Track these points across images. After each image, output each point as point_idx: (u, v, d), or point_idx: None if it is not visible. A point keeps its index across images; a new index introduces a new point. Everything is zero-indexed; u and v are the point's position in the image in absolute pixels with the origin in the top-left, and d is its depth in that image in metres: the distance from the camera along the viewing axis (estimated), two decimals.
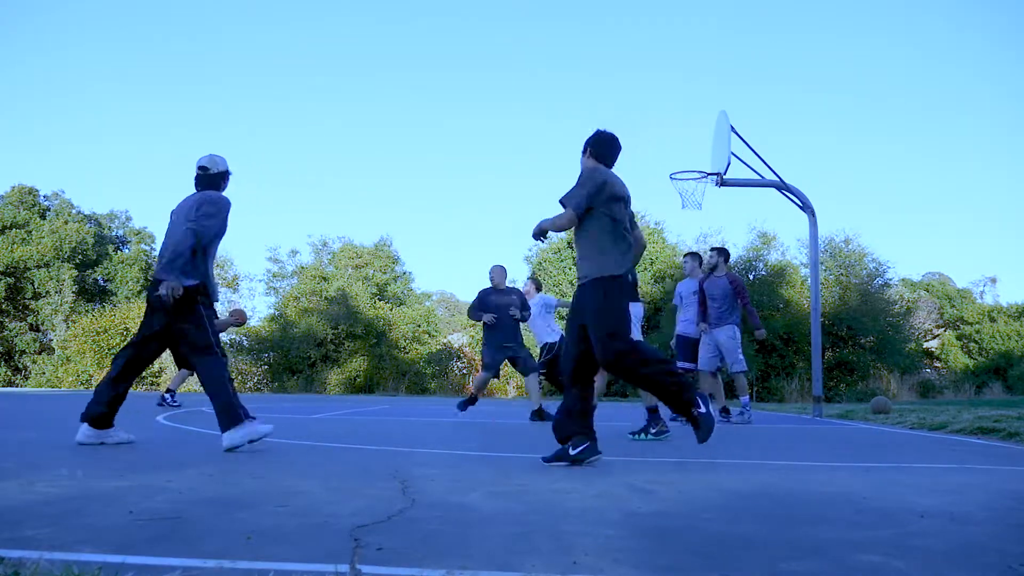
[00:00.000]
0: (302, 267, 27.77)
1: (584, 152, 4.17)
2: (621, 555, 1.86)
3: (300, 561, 1.74)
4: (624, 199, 3.99)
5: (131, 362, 4.50)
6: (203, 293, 4.45)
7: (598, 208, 3.90)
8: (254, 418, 4.36)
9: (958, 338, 27.07)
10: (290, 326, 24.94)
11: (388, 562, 1.75)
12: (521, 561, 1.79)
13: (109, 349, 23.99)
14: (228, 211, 4.56)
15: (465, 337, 26.52)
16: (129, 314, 24.67)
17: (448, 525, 2.19)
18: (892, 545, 2.02)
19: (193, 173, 4.66)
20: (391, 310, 26.01)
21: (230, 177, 4.78)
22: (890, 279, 22.52)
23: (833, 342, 20.82)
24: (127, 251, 29.39)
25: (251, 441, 4.27)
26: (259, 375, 25.29)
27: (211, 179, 4.64)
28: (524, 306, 8.43)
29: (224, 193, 4.70)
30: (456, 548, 1.91)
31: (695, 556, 1.88)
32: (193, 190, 4.66)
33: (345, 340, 24.94)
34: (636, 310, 5.97)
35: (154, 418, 7.28)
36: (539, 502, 2.62)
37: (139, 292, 27.12)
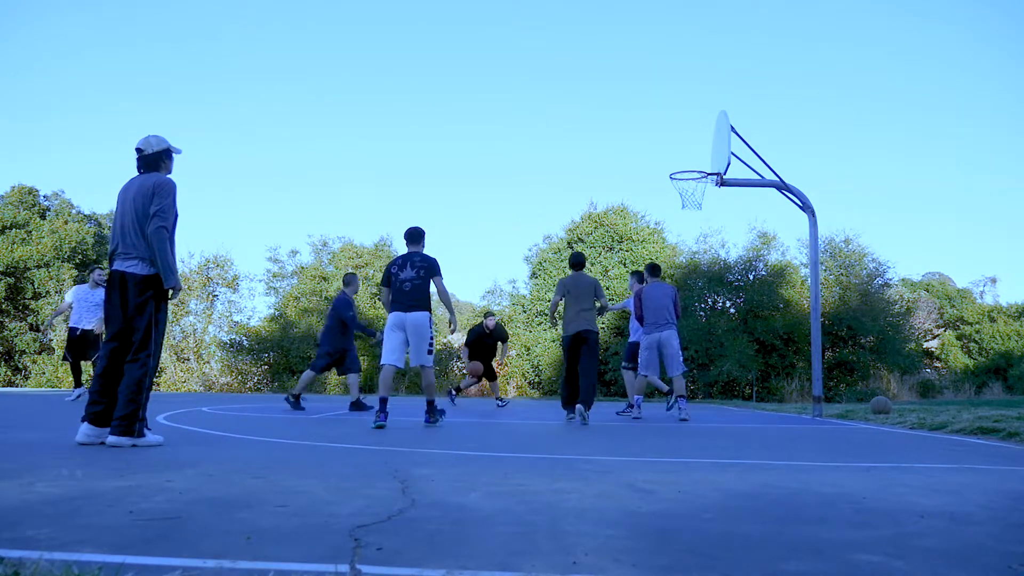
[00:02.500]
0: (302, 267, 27.74)
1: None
2: (621, 555, 1.87)
3: (300, 561, 1.74)
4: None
5: (116, 352, 4.54)
6: (159, 284, 4.56)
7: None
8: (150, 429, 4.57)
9: (958, 338, 27.08)
10: (290, 326, 24.94)
11: (388, 562, 1.75)
12: (521, 561, 1.79)
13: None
14: (176, 193, 4.65)
15: (465, 338, 26.51)
16: None
17: (448, 525, 2.20)
18: (892, 545, 2.02)
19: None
20: None
21: (174, 154, 4.82)
22: (890, 279, 22.52)
23: (833, 342, 20.81)
24: None
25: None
26: (259, 375, 25.29)
27: (149, 160, 4.69)
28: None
29: (172, 173, 4.80)
30: (456, 548, 1.91)
31: (695, 556, 1.88)
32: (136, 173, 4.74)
33: None
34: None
35: (154, 418, 7.28)
36: (539, 502, 2.62)
37: None
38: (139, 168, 4.73)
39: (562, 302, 8.28)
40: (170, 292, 4.63)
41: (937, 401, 15.70)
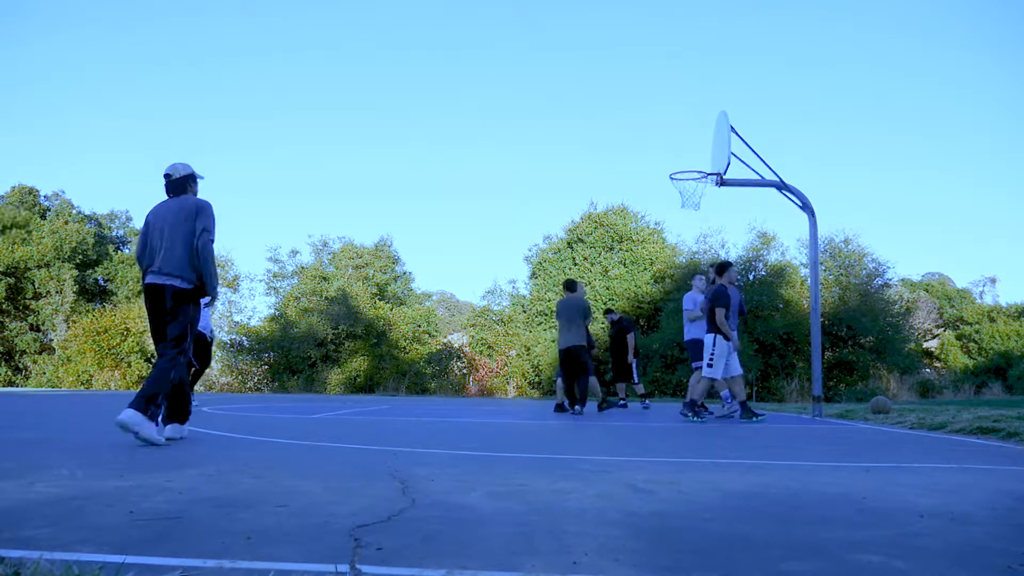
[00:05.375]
0: (302, 267, 27.77)
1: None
2: (621, 555, 1.87)
3: (300, 561, 1.74)
4: None
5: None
6: (197, 297, 4.92)
7: None
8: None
9: (958, 338, 27.08)
10: (290, 326, 24.95)
11: (388, 562, 1.75)
12: (521, 561, 1.79)
13: (109, 349, 23.99)
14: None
15: (465, 337, 26.53)
16: (129, 314, 24.66)
17: (448, 525, 2.20)
18: (892, 545, 2.02)
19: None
20: (391, 310, 26.01)
21: (199, 180, 5.18)
22: (890, 279, 22.52)
23: (833, 342, 20.81)
24: (127, 251, 29.41)
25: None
26: (259, 375, 25.29)
27: (177, 184, 5.05)
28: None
29: (199, 195, 5.21)
30: (456, 548, 1.91)
31: (695, 556, 1.88)
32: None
33: (345, 340, 24.94)
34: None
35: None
36: (539, 502, 2.62)
37: (139, 292, 27.13)
38: (168, 191, 5.06)
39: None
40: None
41: (937, 401, 15.70)
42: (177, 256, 4.78)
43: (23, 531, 2.01)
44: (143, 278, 4.93)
